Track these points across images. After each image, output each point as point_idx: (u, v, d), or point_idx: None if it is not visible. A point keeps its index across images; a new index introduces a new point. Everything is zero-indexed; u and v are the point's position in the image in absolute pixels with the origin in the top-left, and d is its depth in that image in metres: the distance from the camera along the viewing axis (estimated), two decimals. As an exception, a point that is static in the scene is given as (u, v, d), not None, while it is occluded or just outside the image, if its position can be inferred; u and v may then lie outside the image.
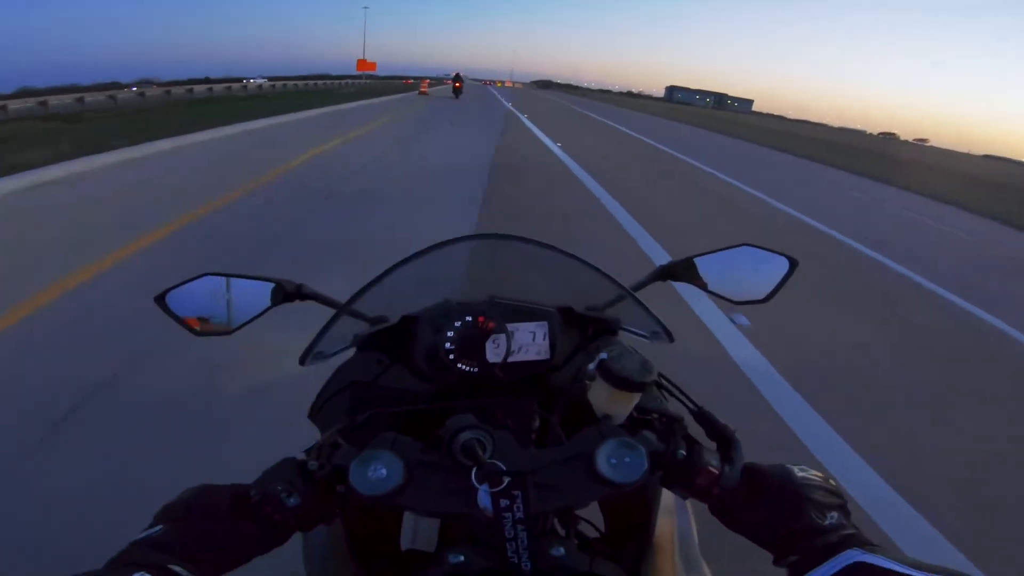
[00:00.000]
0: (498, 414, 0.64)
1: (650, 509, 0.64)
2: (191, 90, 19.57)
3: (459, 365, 0.66)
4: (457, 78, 34.28)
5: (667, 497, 0.67)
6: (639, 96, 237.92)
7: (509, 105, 28.29)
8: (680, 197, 8.11)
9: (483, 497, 0.47)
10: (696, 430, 0.55)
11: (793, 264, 0.78)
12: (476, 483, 0.47)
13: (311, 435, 0.62)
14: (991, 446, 2.53)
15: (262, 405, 2.07)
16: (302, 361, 0.70)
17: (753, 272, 0.80)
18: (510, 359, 0.66)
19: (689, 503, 0.72)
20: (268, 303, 0.76)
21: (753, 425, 2.28)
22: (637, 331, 0.75)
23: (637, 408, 0.57)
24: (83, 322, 2.64)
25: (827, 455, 2.18)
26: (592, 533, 0.70)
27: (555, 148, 11.20)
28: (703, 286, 0.81)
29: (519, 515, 0.47)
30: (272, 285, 0.76)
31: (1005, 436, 2.66)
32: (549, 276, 0.78)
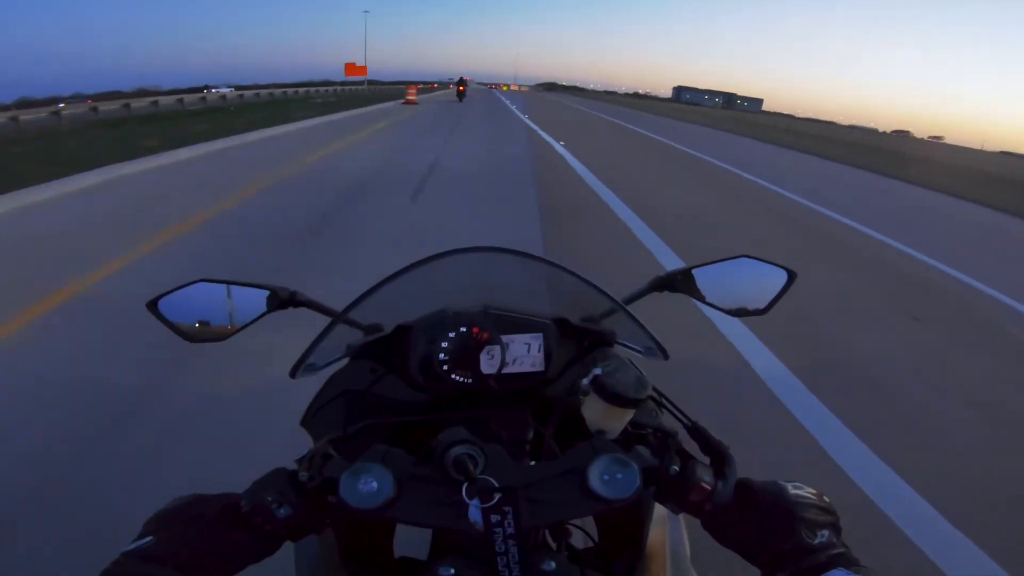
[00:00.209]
0: (492, 426, 0.64)
1: (643, 522, 0.64)
2: (128, 105, 15.65)
3: (453, 376, 0.66)
4: (461, 82, 33.86)
5: (660, 509, 0.66)
6: (646, 97, 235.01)
7: (527, 119, 20.69)
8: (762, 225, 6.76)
9: (474, 512, 0.47)
10: (692, 445, 0.55)
11: (792, 276, 0.78)
12: (466, 499, 0.47)
13: (304, 442, 0.62)
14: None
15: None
16: (292, 374, 0.70)
17: (751, 284, 0.80)
18: (504, 371, 0.66)
19: (682, 516, 0.69)
20: (262, 310, 0.76)
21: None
22: (632, 346, 0.75)
23: (632, 422, 0.57)
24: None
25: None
26: (585, 543, 0.68)
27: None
28: (701, 298, 0.80)
29: (510, 530, 0.47)
30: (266, 292, 0.76)
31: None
32: (547, 288, 0.78)
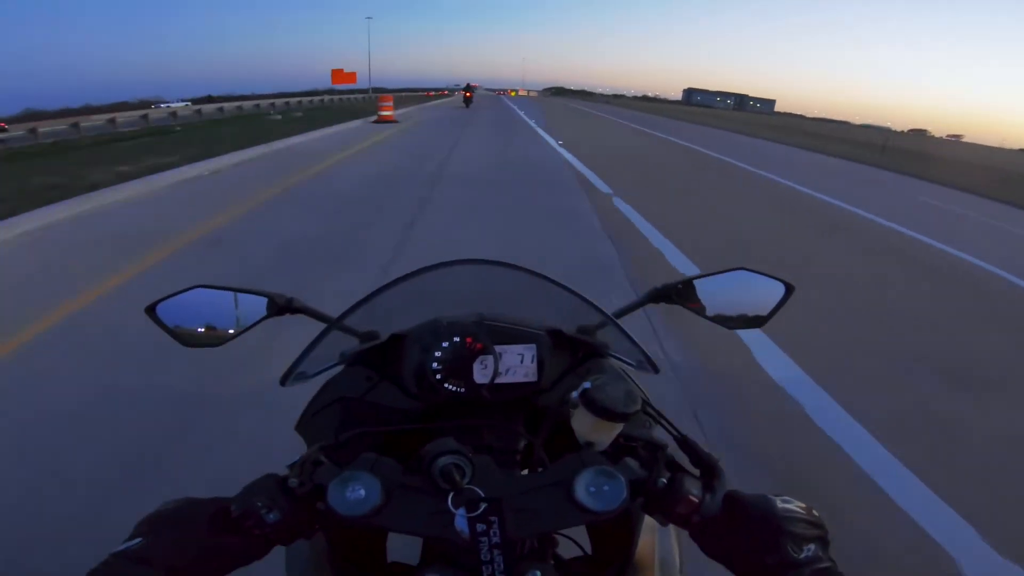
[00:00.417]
0: (483, 435, 0.65)
1: (632, 533, 0.64)
2: (34, 130, 12.38)
3: (446, 385, 0.66)
4: (468, 88, 33.18)
5: (651, 520, 0.64)
6: (655, 100, 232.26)
7: (554, 142, 14.03)
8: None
9: (460, 521, 0.48)
10: (684, 458, 0.55)
11: (789, 289, 0.78)
12: (453, 508, 0.48)
13: (297, 447, 0.63)
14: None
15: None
16: (283, 381, 0.71)
17: (749, 296, 0.80)
18: (497, 380, 0.66)
19: (673, 527, 0.70)
20: (259, 316, 0.77)
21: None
22: (624, 358, 0.75)
23: (623, 434, 0.57)
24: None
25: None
26: (575, 552, 0.68)
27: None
28: (698, 310, 0.80)
29: (495, 540, 0.48)
30: (264, 298, 0.77)
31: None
32: (542, 299, 0.78)
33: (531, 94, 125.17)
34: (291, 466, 0.52)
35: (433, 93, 62.72)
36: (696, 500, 0.50)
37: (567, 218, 6.08)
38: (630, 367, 0.74)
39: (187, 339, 0.76)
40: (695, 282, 0.80)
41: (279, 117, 18.40)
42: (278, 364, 0.72)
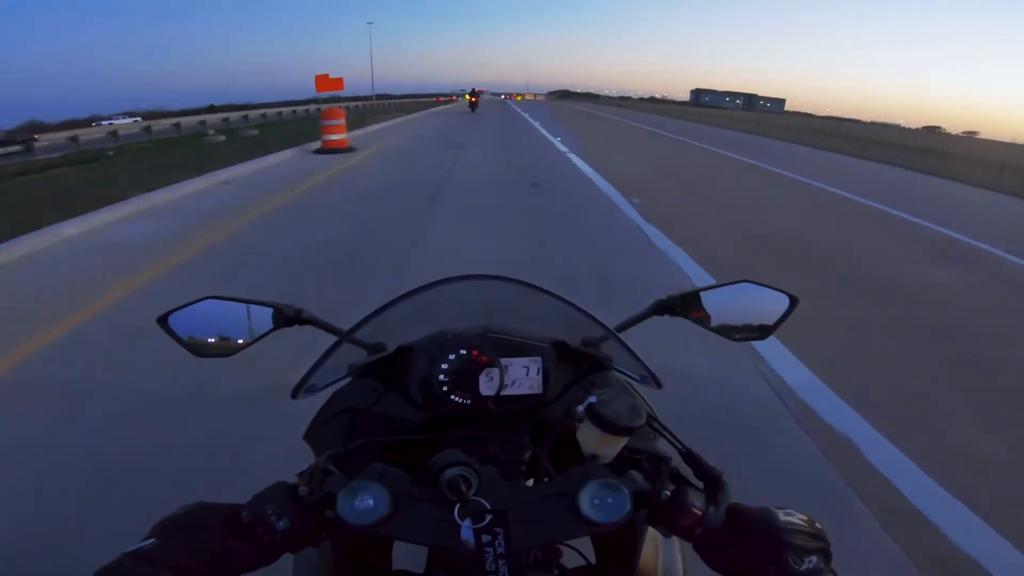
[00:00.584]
0: (489, 446, 0.66)
1: (636, 543, 0.64)
2: None
3: (452, 397, 0.67)
4: (473, 93, 32.38)
5: (655, 531, 0.64)
6: (663, 101, 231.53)
7: (581, 163, 10.13)
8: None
9: (466, 532, 0.49)
10: (688, 471, 0.56)
11: (793, 301, 0.78)
12: (458, 519, 0.49)
13: (306, 457, 0.64)
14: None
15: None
16: (294, 395, 0.73)
17: (753, 309, 0.80)
18: (503, 392, 0.67)
19: (677, 539, 0.70)
20: (268, 327, 0.79)
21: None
22: (628, 373, 0.75)
23: (628, 447, 0.58)
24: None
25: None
26: (579, 562, 0.69)
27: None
28: (702, 322, 0.80)
29: (500, 550, 0.48)
30: (272, 310, 0.78)
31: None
32: (548, 312, 0.78)
33: (538, 98, 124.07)
34: (300, 475, 0.53)
35: (442, 99, 62.21)
36: (699, 512, 0.51)
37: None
38: (634, 381, 0.75)
39: (198, 349, 0.78)
40: (700, 294, 0.81)
41: (222, 138, 14.32)
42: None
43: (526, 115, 29.70)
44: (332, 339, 0.76)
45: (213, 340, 0.78)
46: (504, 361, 0.67)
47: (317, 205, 6.46)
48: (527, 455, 0.67)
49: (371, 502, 0.49)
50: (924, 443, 2.28)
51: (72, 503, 1.83)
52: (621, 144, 15.79)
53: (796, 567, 0.47)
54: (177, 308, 0.77)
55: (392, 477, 0.51)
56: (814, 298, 3.75)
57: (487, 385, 0.67)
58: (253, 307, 0.78)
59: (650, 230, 5.57)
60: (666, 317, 0.83)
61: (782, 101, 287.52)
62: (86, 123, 18.09)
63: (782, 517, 0.50)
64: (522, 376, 0.68)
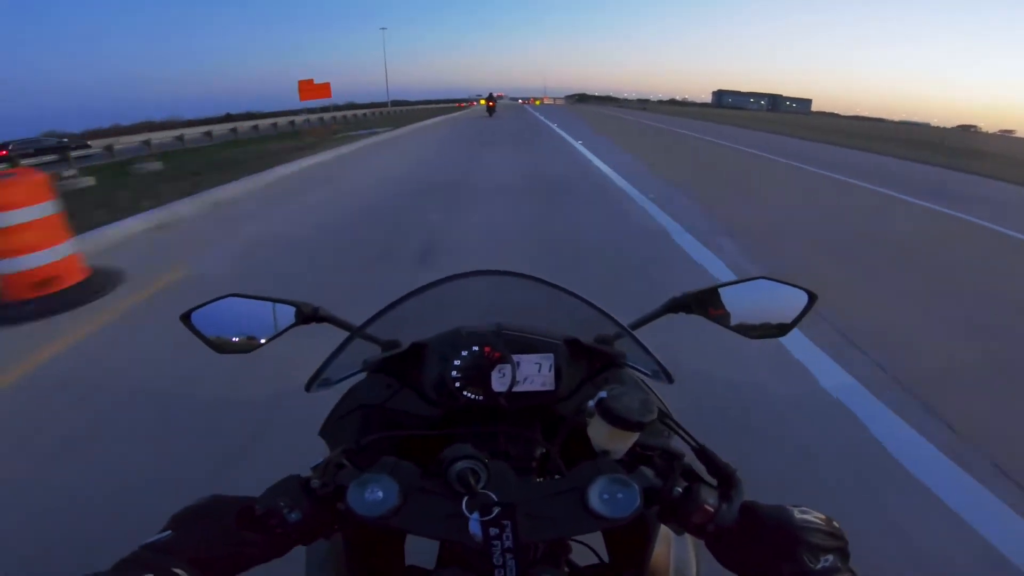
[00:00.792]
0: (500, 442, 0.66)
1: (647, 540, 0.64)
2: None
3: (465, 393, 0.68)
4: (490, 98, 32.15)
5: (667, 528, 0.64)
6: (684, 103, 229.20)
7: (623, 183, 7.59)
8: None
9: (474, 525, 0.49)
10: (701, 468, 0.55)
11: (812, 298, 0.76)
12: (467, 512, 0.49)
13: (320, 452, 0.64)
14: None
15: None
16: (308, 388, 0.73)
17: (770, 306, 0.78)
18: (515, 389, 0.67)
19: (690, 536, 0.68)
20: (287, 324, 0.81)
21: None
22: (640, 368, 0.75)
23: (640, 443, 0.58)
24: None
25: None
26: (590, 559, 0.68)
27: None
28: (718, 320, 0.79)
29: (508, 544, 0.48)
30: (291, 307, 0.81)
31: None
32: (561, 308, 0.78)
33: (557, 101, 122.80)
34: (314, 468, 0.54)
35: (464, 104, 61.94)
36: (712, 509, 0.51)
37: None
38: (647, 376, 0.74)
39: (219, 346, 0.80)
40: (716, 291, 0.80)
41: (157, 165, 10.81)
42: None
43: (553, 125, 23.61)
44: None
45: (235, 338, 0.80)
46: (516, 358, 0.68)
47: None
48: (539, 451, 0.67)
49: (380, 494, 0.50)
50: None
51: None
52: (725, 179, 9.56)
53: (812, 566, 0.46)
54: (199, 306, 0.79)
55: (402, 470, 0.52)
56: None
57: (499, 381, 0.67)
58: (272, 304, 0.80)
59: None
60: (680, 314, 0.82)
61: (808, 101, 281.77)
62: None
63: (797, 515, 0.49)
64: (534, 373, 0.68)
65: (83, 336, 2.96)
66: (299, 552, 0.56)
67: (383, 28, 62.49)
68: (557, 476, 0.61)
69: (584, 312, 0.77)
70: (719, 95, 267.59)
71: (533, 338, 0.70)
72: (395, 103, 54.38)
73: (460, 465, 0.51)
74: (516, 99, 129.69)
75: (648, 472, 0.53)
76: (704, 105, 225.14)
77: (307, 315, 0.81)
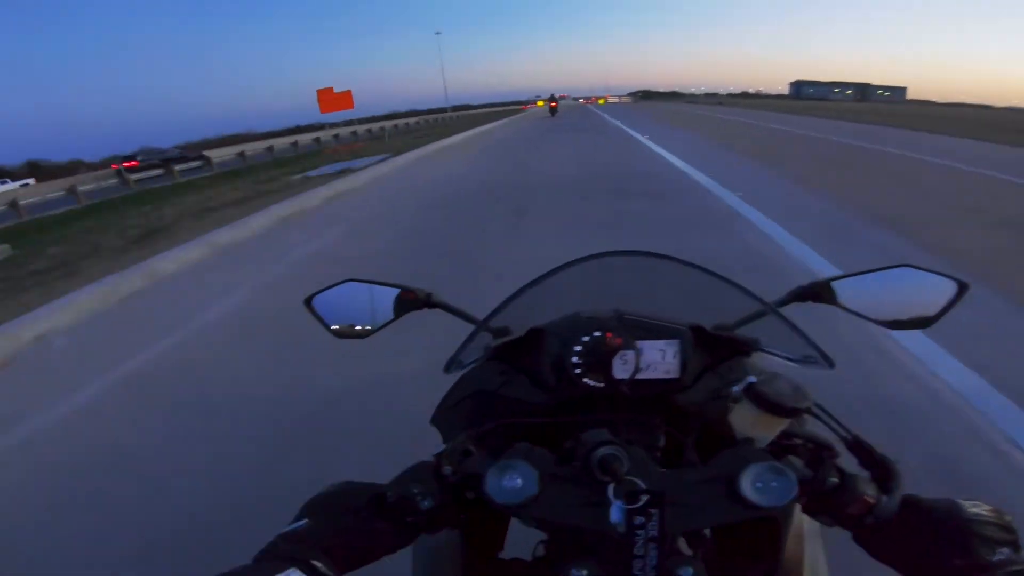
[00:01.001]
0: (621, 430, 0.64)
1: (780, 534, 0.61)
2: None
3: (585, 380, 0.66)
4: (552, 99, 32.25)
5: (796, 524, 0.63)
6: (757, 96, 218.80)
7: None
8: None
9: (616, 513, 0.48)
10: (848, 460, 0.53)
11: (963, 287, 0.70)
12: (612, 498, 0.48)
13: (435, 439, 0.66)
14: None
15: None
16: (447, 369, 0.74)
17: (912, 296, 0.72)
18: (637, 376, 0.65)
19: (821, 532, 0.66)
20: (400, 310, 0.83)
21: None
22: (783, 354, 0.70)
23: (782, 433, 0.55)
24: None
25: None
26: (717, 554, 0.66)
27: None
28: (851, 309, 0.74)
29: (652, 533, 0.47)
30: (406, 292, 0.83)
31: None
32: (681, 290, 0.76)
33: (622, 100, 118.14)
34: (439, 455, 0.54)
35: (528, 106, 61.64)
36: (872, 501, 0.48)
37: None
38: (792, 363, 0.71)
39: (339, 331, 0.83)
40: (849, 280, 0.75)
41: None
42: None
43: (627, 125, 21.70)
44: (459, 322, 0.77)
45: (351, 321, 0.83)
46: (639, 344, 0.66)
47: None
48: (662, 441, 0.66)
49: (519, 481, 0.49)
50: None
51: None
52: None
53: (988, 558, 0.44)
54: (321, 290, 0.83)
55: (539, 457, 0.51)
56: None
57: (621, 368, 0.65)
58: (389, 289, 0.83)
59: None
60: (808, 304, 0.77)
61: (903, 89, 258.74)
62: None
63: (968, 508, 0.47)
64: (658, 360, 0.66)
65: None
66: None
67: (438, 32, 64.61)
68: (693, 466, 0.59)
69: (703, 293, 0.74)
70: (798, 86, 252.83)
71: (656, 323, 0.68)
72: (456, 108, 55.21)
73: (603, 451, 0.49)
74: (577, 99, 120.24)
75: (797, 461, 0.51)
76: (781, 97, 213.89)
77: (421, 301, 0.83)
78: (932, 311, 0.71)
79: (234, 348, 3.41)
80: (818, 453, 0.53)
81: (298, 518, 0.50)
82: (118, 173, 16.24)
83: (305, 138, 24.62)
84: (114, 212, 10.51)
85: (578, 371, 0.66)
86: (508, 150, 15.24)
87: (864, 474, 0.51)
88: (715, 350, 0.70)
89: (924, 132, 16.51)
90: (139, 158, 21.29)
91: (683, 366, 0.67)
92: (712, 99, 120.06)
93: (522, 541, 0.68)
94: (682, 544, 0.61)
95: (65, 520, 2.01)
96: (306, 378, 2.84)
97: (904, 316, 0.73)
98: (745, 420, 0.54)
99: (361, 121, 29.26)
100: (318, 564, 0.46)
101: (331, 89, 12.63)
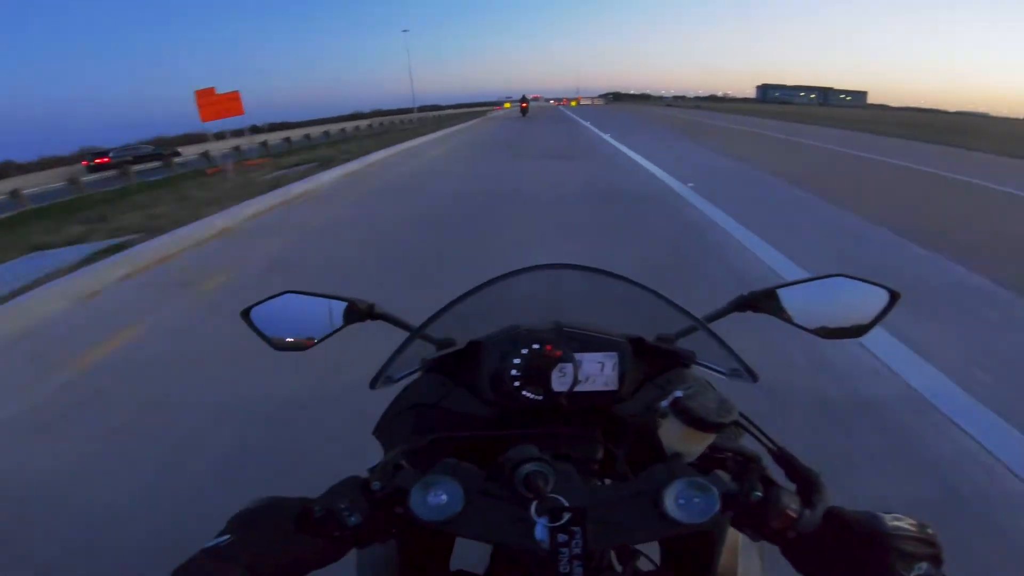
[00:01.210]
0: (560, 444, 0.64)
1: (714, 547, 0.61)
2: None
3: (524, 392, 0.66)
4: (523, 100, 31.79)
5: (732, 535, 0.63)
6: (725, 100, 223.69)
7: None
8: None
9: (541, 530, 0.47)
10: (775, 472, 0.53)
11: (894, 297, 0.72)
12: (535, 516, 0.47)
13: (376, 453, 0.65)
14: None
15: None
16: (372, 385, 0.73)
17: (845, 305, 0.74)
18: (576, 388, 0.65)
19: (760, 546, 0.67)
20: (341, 322, 0.81)
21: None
22: (714, 367, 0.72)
23: (711, 446, 0.55)
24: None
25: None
26: (648, 567, 0.66)
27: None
28: (787, 318, 0.75)
29: (576, 551, 0.47)
30: (346, 304, 0.81)
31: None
32: (621, 304, 0.76)
33: (595, 102, 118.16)
34: (372, 469, 0.53)
35: (508, 105, 57.24)
36: (794, 514, 0.48)
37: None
38: (721, 376, 0.71)
39: (277, 343, 0.81)
40: (785, 289, 0.76)
41: None
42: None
43: (600, 129, 20.36)
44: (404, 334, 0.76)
45: (290, 334, 0.81)
46: (578, 356, 0.65)
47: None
48: (600, 454, 0.65)
49: (444, 498, 0.48)
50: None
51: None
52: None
53: (904, 572, 0.44)
54: (259, 302, 0.80)
55: (465, 473, 0.50)
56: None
57: (560, 381, 0.64)
58: (328, 301, 0.81)
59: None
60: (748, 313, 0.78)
61: (863, 94, 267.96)
62: None
63: (889, 521, 0.47)
64: (596, 372, 0.66)
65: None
66: (348, 556, 0.55)
67: (405, 30, 63.27)
68: (622, 480, 0.59)
69: (641, 306, 0.74)
70: (764, 89, 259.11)
71: (595, 336, 0.68)
72: (424, 108, 53.47)
73: (527, 468, 0.48)
74: (548, 100, 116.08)
75: (724, 476, 0.50)
76: (747, 100, 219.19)
77: (362, 312, 0.81)
78: (866, 319, 0.73)
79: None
80: (744, 465, 0.53)
81: (222, 533, 0.48)
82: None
83: (204, 149, 17.16)
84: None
85: (517, 384, 0.65)
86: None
87: (790, 487, 0.51)
88: (654, 362, 0.70)
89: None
90: (111, 155, 19.59)
91: (622, 378, 0.66)
92: (680, 102, 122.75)
93: (485, 552, 0.67)
94: (613, 559, 0.60)
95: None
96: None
97: (839, 324, 0.74)
98: (673, 435, 0.54)
99: (323, 122, 28.15)
100: None
101: (213, 90, 9.36)
